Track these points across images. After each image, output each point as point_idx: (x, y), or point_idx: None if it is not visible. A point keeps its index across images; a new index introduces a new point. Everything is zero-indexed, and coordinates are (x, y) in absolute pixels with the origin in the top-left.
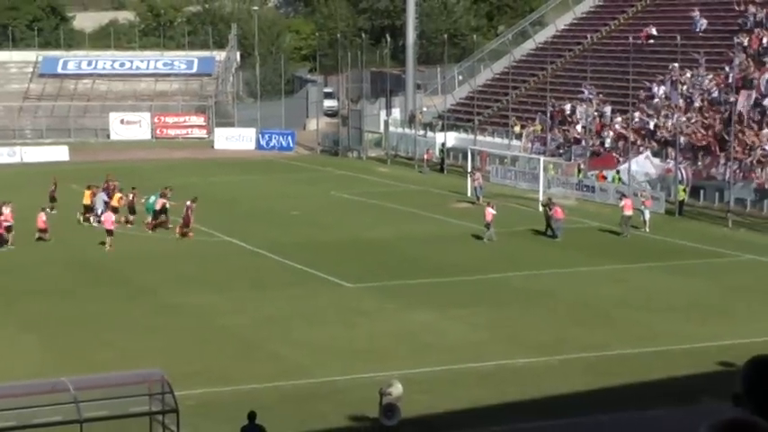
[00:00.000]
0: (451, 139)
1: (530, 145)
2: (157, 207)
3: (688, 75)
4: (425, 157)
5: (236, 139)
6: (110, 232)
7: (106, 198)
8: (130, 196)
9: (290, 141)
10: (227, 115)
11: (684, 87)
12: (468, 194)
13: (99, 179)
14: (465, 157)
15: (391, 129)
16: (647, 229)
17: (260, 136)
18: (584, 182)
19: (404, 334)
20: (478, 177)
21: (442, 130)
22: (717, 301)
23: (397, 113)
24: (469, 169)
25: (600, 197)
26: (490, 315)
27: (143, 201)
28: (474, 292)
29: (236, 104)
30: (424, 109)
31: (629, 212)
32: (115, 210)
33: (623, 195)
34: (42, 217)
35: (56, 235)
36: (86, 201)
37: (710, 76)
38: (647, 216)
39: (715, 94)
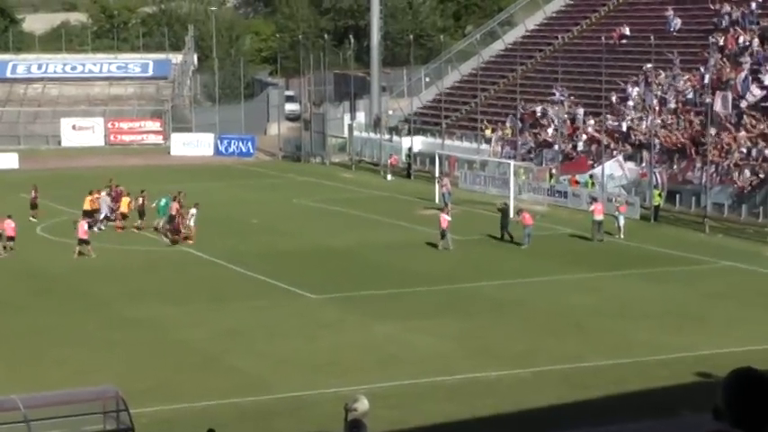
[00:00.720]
0: (418, 143)
1: (499, 149)
2: (172, 212)
3: (662, 75)
4: (391, 162)
5: (194, 145)
6: (83, 241)
7: (110, 203)
8: (140, 200)
9: (251, 147)
10: (184, 120)
11: (659, 88)
12: (436, 201)
13: (50, 187)
14: (432, 162)
15: (356, 133)
16: (622, 236)
17: (218, 141)
18: (555, 187)
19: (369, 346)
20: (447, 183)
21: (409, 134)
22: (693, 309)
23: (361, 117)
24: (437, 174)
25: (572, 203)
26: (459, 326)
27: (153, 205)
28: (442, 302)
29: (193, 109)
30: (390, 112)
31: (599, 217)
32: (125, 215)
33: (594, 200)
34: (11, 224)
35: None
36: (86, 206)
37: (686, 77)
38: (622, 222)
39: (690, 96)
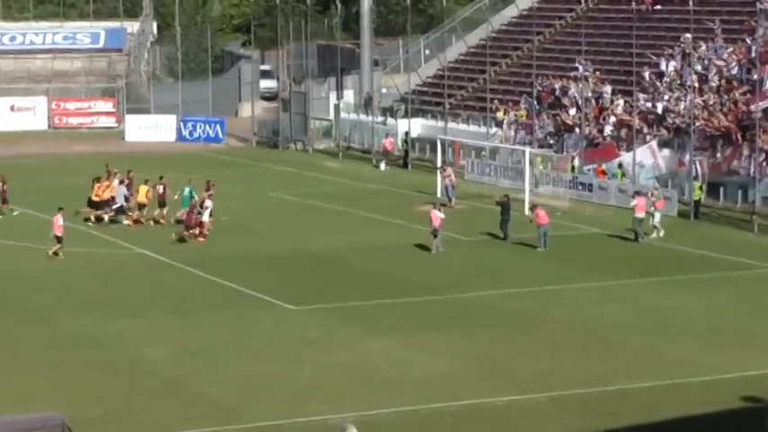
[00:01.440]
0: (417, 127)
1: (513, 134)
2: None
3: (703, 48)
4: (384, 149)
5: (153, 129)
6: (59, 239)
7: (126, 192)
8: (160, 189)
9: (219, 131)
10: (141, 100)
11: (699, 63)
12: (438, 195)
13: None
14: (434, 150)
15: (343, 115)
16: (661, 234)
17: (182, 125)
18: (579, 179)
19: (360, 367)
20: (450, 174)
21: (406, 116)
22: (741, 322)
23: (350, 96)
24: (439, 164)
25: (599, 197)
26: (465, 343)
27: (177, 195)
28: (445, 314)
29: (152, 86)
30: (384, 90)
31: (640, 214)
32: (142, 206)
33: (636, 193)
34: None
35: None
36: (95, 196)
37: (730, 50)
38: (658, 219)
39: (735, 71)
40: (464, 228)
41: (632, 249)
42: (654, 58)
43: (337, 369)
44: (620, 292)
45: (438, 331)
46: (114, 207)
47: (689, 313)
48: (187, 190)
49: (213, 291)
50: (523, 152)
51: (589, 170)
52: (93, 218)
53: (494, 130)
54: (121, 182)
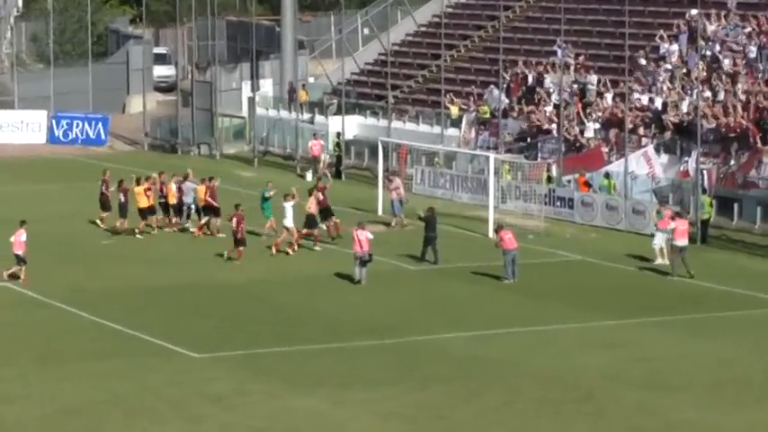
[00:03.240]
0: (353, 126)
1: (473, 135)
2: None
3: (713, 27)
4: (312, 154)
5: (17, 129)
6: (20, 259)
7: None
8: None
9: (102, 131)
10: (2, 91)
11: (708, 46)
12: (380, 212)
13: None
14: (374, 155)
15: (259, 111)
16: (665, 261)
17: (54, 123)
18: (557, 192)
19: (279, 431)
20: (399, 186)
21: (339, 112)
22: (759, 374)
23: (268, 87)
24: (381, 173)
25: (582, 215)
26: (414, 400)
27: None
28: (388, 363)
29: (16, 74)
30: (311, 80)
31: (682, 241)
32: (208, 208)
33: (677, 215)
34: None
35: None
36: (142, 203)
37: (747, 29)
38: (659, 243)
39: (753, 54)
40: (413, 254)
41: (624, 282)
42: (652, 39)
43: None
44: (608, 336)
45: (378, 385)
46: (187, 207)
47: (694, 362)
48: (267, 192)
49: (95, 334)
50: (487, 159)
51: (569, 181)
52: (139, 226)
53: (450, 130)
54: (185, 178)
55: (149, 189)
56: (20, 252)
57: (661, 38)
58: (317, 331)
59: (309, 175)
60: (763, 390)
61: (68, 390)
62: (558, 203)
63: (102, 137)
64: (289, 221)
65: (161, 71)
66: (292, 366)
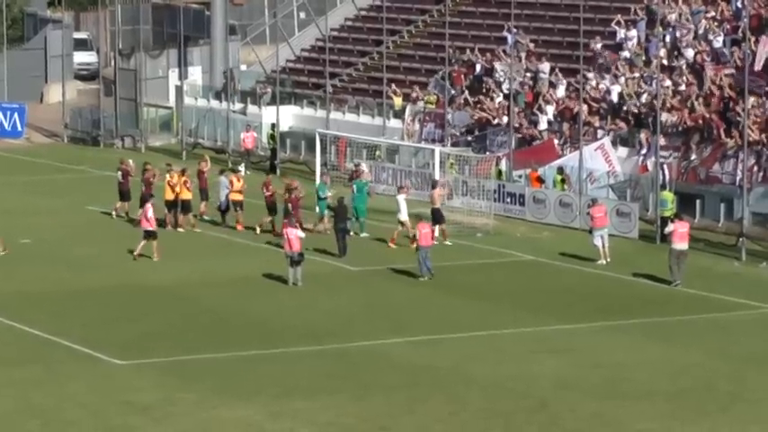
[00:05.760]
0: (288, 117)
1: (418, 127)
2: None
3: (675, 14)
4: (245, 146)
5: None
6: None
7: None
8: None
9: (18, 122)
10: None
11: (668, 31)
12: (317, 209)
13: None
14: (311, 148)
15: (188, 101)
16: (606, 261)
17: None
18: (507, 188)
19: None
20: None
21: (273, 102)
22: (722, 381)
23: (197, 75)
24: (318, 169)
25: (534, 212)
26: (354, 410)
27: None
28: (326, 371)
29: None
30: (243, 68)
31: (681, 245)
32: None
33: (676, 216)
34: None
35: None
36: (168, 194)
37: (710, 14)
38: (600, 241)
39: (718, 44)
40: (354, 254)
41: (579, 284)
42: (608, 25)
43: None
44: (562, 341)
45: (317, 394)
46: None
47: (652, 369)
48: (324, 184)
49: (10, 339)
50: (432, 152)
51: (521, 176)
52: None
53: (392, 122)
54: (221, 172)
55: (188, 181)
56: None
57: (618, 23)
58: (250, 336)
59: (242, 169)
60: (729, 397)
61: None
62: (509, 200)
63: (19, 128)
64: (403, 215)
65: (82, 58)
66: (224, 374)
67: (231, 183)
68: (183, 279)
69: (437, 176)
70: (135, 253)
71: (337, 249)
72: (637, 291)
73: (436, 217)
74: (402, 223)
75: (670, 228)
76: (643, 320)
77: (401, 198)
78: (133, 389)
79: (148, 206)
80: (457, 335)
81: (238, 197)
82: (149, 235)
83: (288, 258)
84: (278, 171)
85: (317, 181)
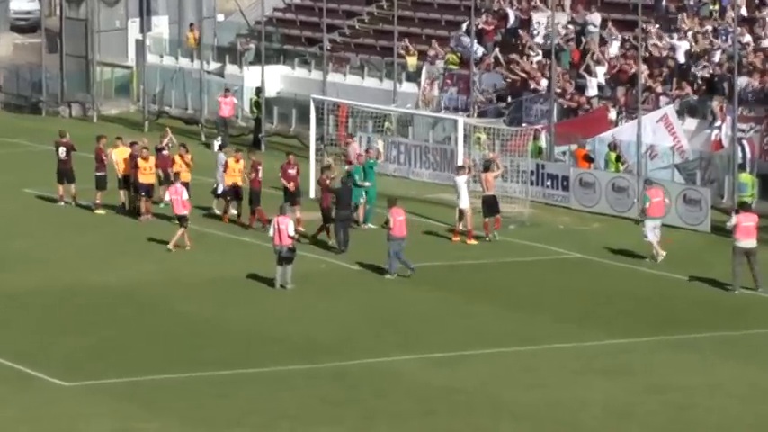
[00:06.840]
0: (276, 80)
1: (437, 93)
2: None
3: None
4: (222, 116)
5: None
6: None
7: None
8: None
9: None
10: None
11: None
12: (312, 194)
13: None
14: (304, 118)
15: (152, 59)
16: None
17: None
18: (546, 168)
19: None
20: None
21: (258, 62)
22: None
23: (163, 27)
24: (313, 143)
25: (581, 198)
26: None
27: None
28: (324, 394)
29: None
30: (220, 18)
31: (748, 242)
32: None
33: (740, 207)
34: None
35: None
36: (121, 168)
37: None
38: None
39: None
40: (356, 248)
41: (635, 289)
42: None
43: None
44: (613, 360)
45: (309, 424)
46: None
47: (726, 395)
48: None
49: None
50: (455, 123)
51: (564, 154)
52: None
53: (405, 86)
54: (221, 147)
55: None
56: None
57: None
58: (227, 352)
59: (217, 144)
60: None
61: None
62: (549, 183)
63: None
64: (464, 202)
65: (19, 5)
66: (195, 399)
67: (226, 164)
68: (145, 279)
69: (460, 154)
70: (170, 244)
71: (336, 242)
72: (706, 297)
73: (490, 205)
74: (462, 212)
75: (732, 221)
76: (714, 334)
77: (461, 181)
78: (81, 416)
79: (181, 187)
80: (482, 351)
81: (235, 182)
82: (185, 220)
83: (276, 254)
84: (263, 146)
85: (311, 158)
